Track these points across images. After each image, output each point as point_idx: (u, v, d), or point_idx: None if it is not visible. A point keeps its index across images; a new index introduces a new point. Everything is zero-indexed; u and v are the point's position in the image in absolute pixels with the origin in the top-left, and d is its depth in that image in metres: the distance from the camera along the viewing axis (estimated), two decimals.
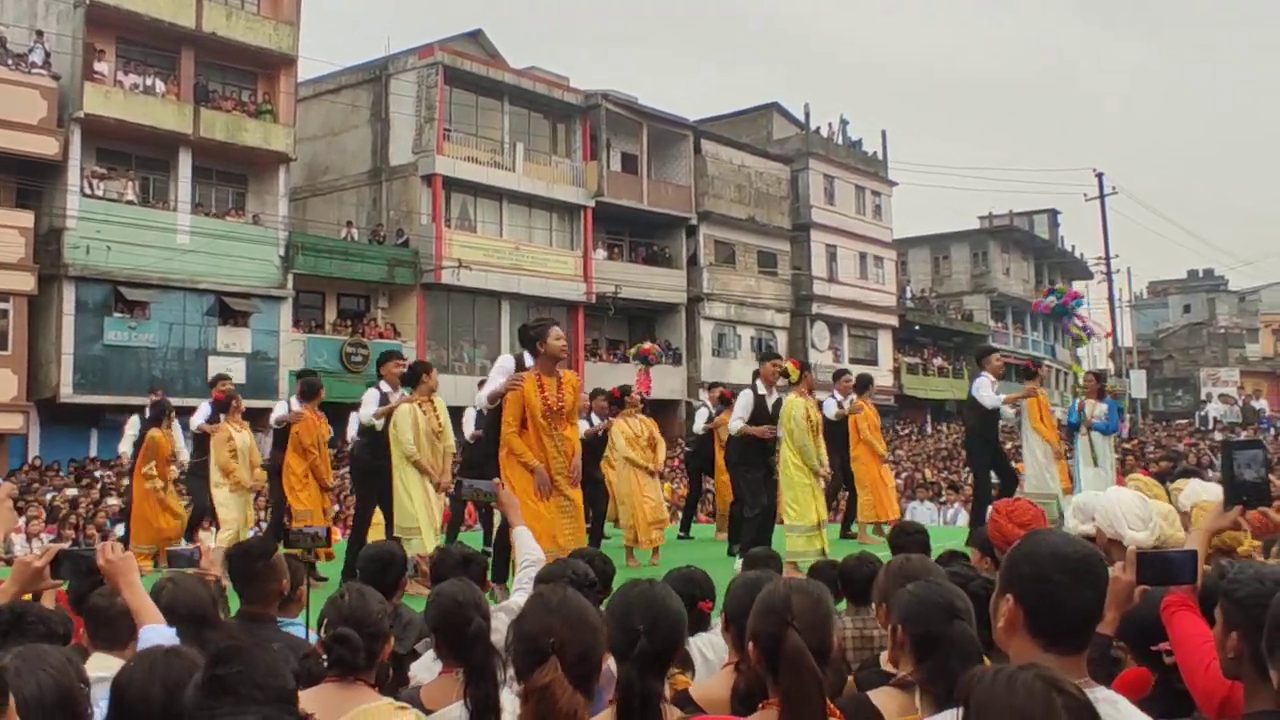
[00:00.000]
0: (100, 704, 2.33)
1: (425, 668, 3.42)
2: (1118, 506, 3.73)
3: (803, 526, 8.79)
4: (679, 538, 11.92)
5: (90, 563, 2.99)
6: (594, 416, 10.49)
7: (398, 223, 29.31)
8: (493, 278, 29.70)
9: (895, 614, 2.42)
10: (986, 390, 10.37)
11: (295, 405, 9.58)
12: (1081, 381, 12.90)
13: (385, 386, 9.04)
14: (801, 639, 2.26)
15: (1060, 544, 2.15)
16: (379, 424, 8.77)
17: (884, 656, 2.56)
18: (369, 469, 8.93)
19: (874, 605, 3.17)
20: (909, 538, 4.90)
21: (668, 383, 32.56)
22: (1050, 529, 2.68)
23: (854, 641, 3.98)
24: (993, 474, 10.89)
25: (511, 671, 2.59)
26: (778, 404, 9.18)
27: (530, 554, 4.11)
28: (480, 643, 2.74)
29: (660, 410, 31.58)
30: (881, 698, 2.36)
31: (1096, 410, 11.26)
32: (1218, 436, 26.46)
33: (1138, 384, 40.10)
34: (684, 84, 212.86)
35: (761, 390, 9.24)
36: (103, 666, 2.75)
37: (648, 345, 18.28)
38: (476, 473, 8.05)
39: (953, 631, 2.32)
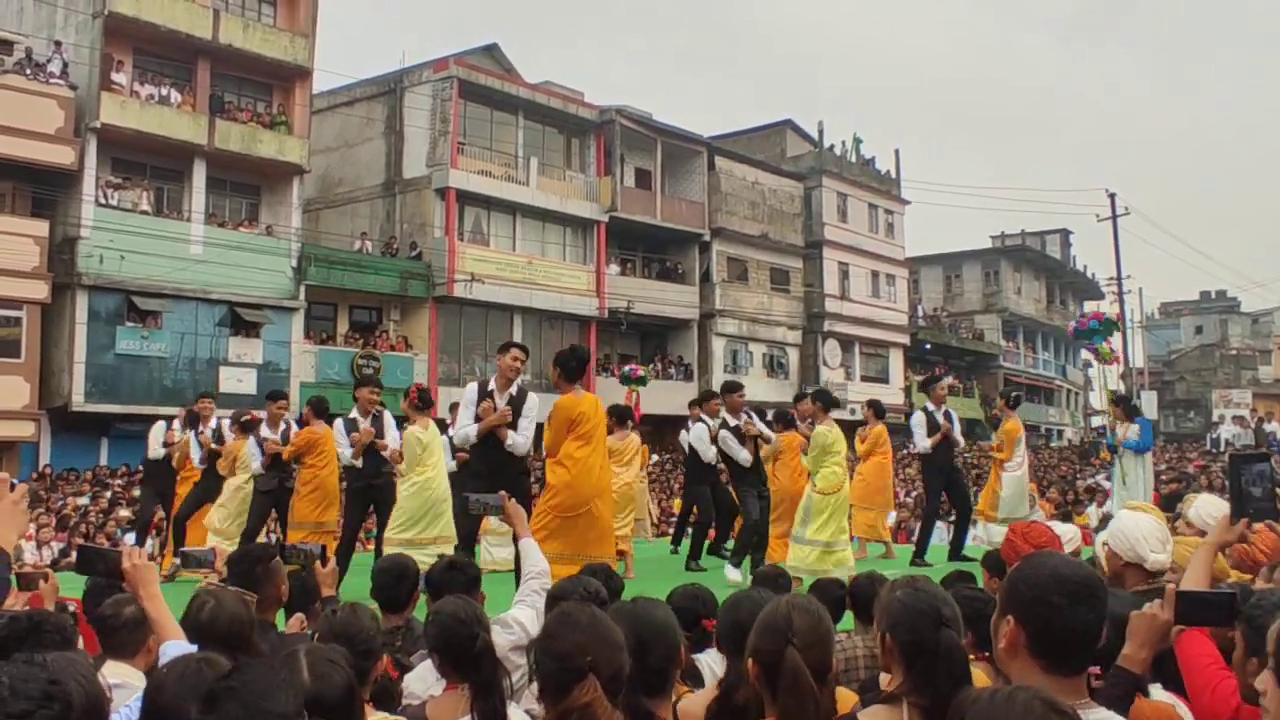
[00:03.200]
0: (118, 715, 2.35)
1: (420, 679, 3.37)
2: (1137, 529, 3.71)
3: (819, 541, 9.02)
4: (672, 552, 11.83)
5: (115, 563, 2.96)
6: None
7: (411, 235, 29.37)
8: (505, 292, 29.73)
9: (883, 621, 2.40)
10: (920, 432, 10.33)
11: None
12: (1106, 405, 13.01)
13: (355, 414, 8.97)
14: (801, 657, 2.25)
15: (1060, 566, 2.16)
16: (359, 462, 8.80)
17: (884, 677, 2.55)
18: (358, 484, 8.93)
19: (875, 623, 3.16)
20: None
21: (678, 399, 32.44)
22: (1052, 551, 2.67)
23: (865, 660, 3.95)
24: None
25: (509, 682, 2.58)
26: (737, 429, 9.53)
27: (536, 565, 4.10)
28: (487, 658, 2.74)
29: (671, 426, 31.56)
30: (868, 718, 2.34)
31: (1129, 431, 11.28)
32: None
33: (1149, 405, 39.78)
34: (699, 100, 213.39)
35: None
36: (113, 674, 2.77)
37: (634, 366, 18.40)
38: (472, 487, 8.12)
39: (939, 639, 2.29)
